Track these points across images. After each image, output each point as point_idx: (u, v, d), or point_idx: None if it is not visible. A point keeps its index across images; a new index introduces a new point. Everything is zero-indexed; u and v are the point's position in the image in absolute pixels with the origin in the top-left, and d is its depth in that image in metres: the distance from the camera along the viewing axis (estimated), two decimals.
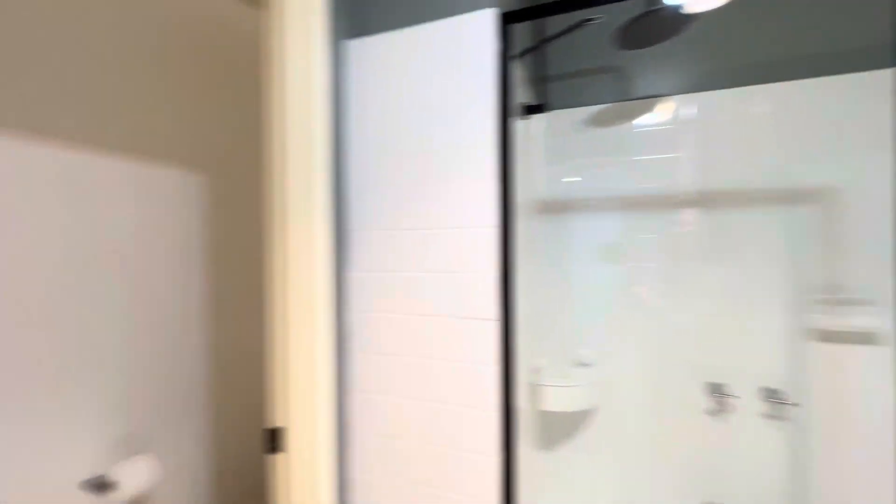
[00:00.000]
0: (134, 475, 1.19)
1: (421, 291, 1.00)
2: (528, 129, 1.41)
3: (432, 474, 0.99)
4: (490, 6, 0.94)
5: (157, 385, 1.34)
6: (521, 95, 1.32)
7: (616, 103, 1.50)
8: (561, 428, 1.58)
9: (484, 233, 0.94)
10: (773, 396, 1.33)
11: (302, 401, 0.95)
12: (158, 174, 1.34)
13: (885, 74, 1.22)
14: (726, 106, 1.37)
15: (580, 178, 1.55)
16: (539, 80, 1.33)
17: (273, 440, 0.98)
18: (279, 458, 0.98)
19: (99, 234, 1.19)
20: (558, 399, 1.45)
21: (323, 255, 0.95)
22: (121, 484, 1.16)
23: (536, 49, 1.22)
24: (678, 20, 1.08)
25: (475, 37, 0.94)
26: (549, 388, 1.44)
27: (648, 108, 1.46)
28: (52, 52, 1.09)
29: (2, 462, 1.01)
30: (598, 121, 1.52)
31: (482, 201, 0.94)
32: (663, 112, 1.45)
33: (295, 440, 0.96)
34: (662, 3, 1.01)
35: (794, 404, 1.31)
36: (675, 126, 1.43)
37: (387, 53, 1.02)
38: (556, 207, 1.57)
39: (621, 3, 1.33)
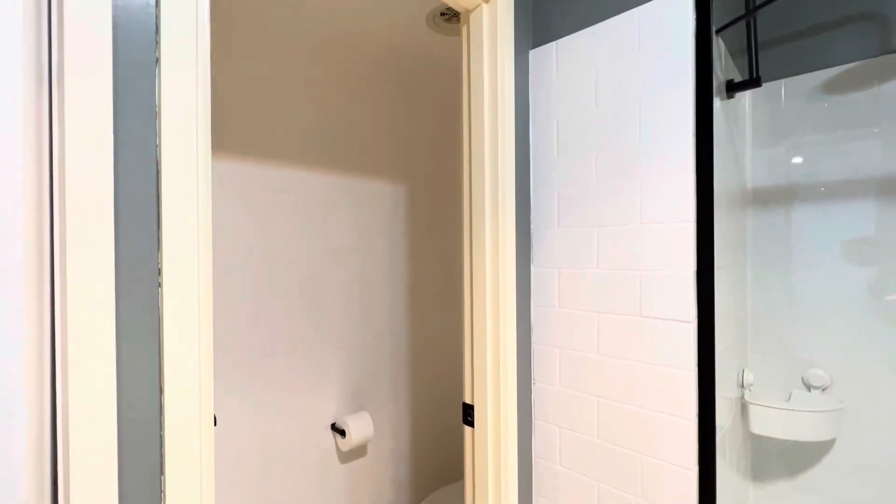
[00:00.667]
0: (359, 426, 1.50)
1: (607, 289, 0.99)
2: (735, 110, 1.23)
3: (615, 474, 0.97)
4: None
5: (374, 357, 1.65)
6: (727, 72, 1.16)
7: (858, 62, 1.18)
8: (779, 458, 1.33)
9: (679, 227, 0.88)
10: None
11: (489, 383, 1.05)
12: (371, 187, 1.64)
13: None
14: None
15: (808, 160, 1.27)
16: (750, 50, 1.14)
17: (466, 414, 1.10)
18: (468, 431, 1.10)
19: (332, 238, 1.53)
20: (772, 423, 1.22)
21: (511, 253, 1.03)
22: (350, 431, 1.48)
23: (744, 18, 1.05)
24: None
25: (666, 18, 0.88)
26: (760, 409, 1.23)
27: None
28: (287, 93, 1.45)
29: (282, 404, 1.40)
30: (832, 87, 1.22)
31: (678, 194, 0.88)
32: None
33: (481, 417, 1.07)
34: None
35: None
36: None
37: (569, 55, 1.04)
38: (776, 196, 1.33)
39: None
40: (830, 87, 1.23)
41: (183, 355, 0.56)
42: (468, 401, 1.10)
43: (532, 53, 1.12)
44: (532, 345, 1.13)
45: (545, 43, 1.10)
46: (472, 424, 1.09)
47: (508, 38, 1.03)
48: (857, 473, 1.20)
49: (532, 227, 1.12)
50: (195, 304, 0.57)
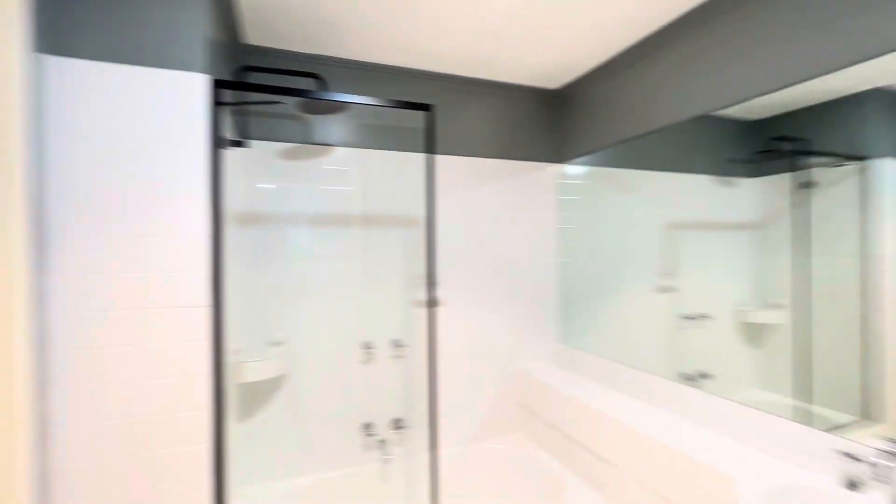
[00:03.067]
0: None
1: (135, 288, 1.19)
2: (234, 159, 1.73)
3: (148, 434, 1.20)
4: (202, 70, 1.25)
5: None
6: (229, 132, 1.64)
7: (301, 144, 2.01)
8: (258, 397, 1.95)
9: (194, 238, 1.25)
10: (397, 344, 2.16)
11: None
12: None
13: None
14: (373, 160, 2.12)
15: (272, 197, 1.97)
16: (244, 120, 1.67)
17: None
18: None
19: None
20: (254, 371, 1.82)
21: (19, 259, 1.01)
22: None
23: (240, 105, 1.57)
24: (333, 105, 1.68)
25: (192, 90, 1.24)
26: (246, 364, 1.79)
27: (325, 153, 2.05)
28: None
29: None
30: (289, 155, 1.99)
31: (194, 214, 1.24)
32: (334, 156, 2.06)
33: None
34: (317, 95, 1.55)
35: (406, 346, 2.17)
36: (342, 167, 2.07)
37: (99, 80, 1.16)
38: (257, 219, 1.94)
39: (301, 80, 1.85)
40: (287, 155, 1.98)
41: None
42: None
43: (55, 60, 1.13)
44: (59, 350, 1.13)
45: (71, 55, 1.15)
46: None
47: (19, 33, 1.02)
48: (298, 391, 2.01)
49: (59, 234, 1.13)
50: None
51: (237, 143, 1.64)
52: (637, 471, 1.60)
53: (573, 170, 2.44)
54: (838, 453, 1.22)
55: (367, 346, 2.11)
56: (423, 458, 2.19)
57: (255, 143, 1.93)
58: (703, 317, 1.84)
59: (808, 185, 1.45)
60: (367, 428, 2.11)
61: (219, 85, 1.28)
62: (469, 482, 2.25)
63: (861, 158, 1.30)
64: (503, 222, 2.38)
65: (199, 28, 1.25)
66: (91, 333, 1.17)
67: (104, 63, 1.18)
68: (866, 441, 1.22)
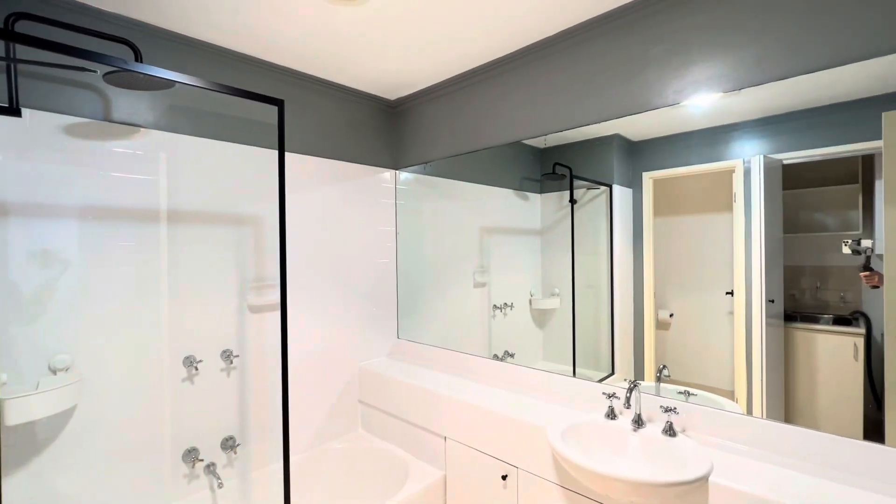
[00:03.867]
0: None
1: None
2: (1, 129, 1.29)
3: None
4: None
5: None
6: None
7: (95, 120, 1.63)
8: (32, 439, 1.50)
9: None
10: (227, 354, 1.95)
11: None
12: None
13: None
14: (188, 148, 1.86)
15: (56, 182, 1.55)
16: (11, 83, 1.25)
17: None
18: None
19: None
20: (27, 409, 1.40)
21: None
22: None
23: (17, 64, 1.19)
24: (155, 83, 1.45)
25: None
26: (15, 400, 1.36)
27: (127, 134, 1.71)
28: None
29: None
30: (75, 132, 1.58)
31: None
32: (140, 139, 1.74)
33: None
34: (142, 69, 1.31)
35: (237, 356, 1.99)
36: (148, 153, 1.76)
37: None
38: (24, 209, 1.48)
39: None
40: (72, 132, 1.58)
41: None
42: None
43: None
44: None
45: None
46: None
47: None
48: (93, 426, 1.62)
49: None
50: None
51: (4, 110, 1.25)
52: (470, 438, 1.88)
53: (406, 176, 2.65)
54: (604, 395, 1.72)
55: (191, 362, 1.85)
56: (262, 472, 2.04)
57: (31, 112, 1.48)
58: (507, 306, 2.30)
59: (573, 201, 1.98)
60: (191, 454, 1.84)
61: None
62: (316, 487, 2.20)
63: (607, 184, 1.86)
64: (342, 224, 2.41)
65: None
66: None
67: None
68: (616, 384, 1.76)
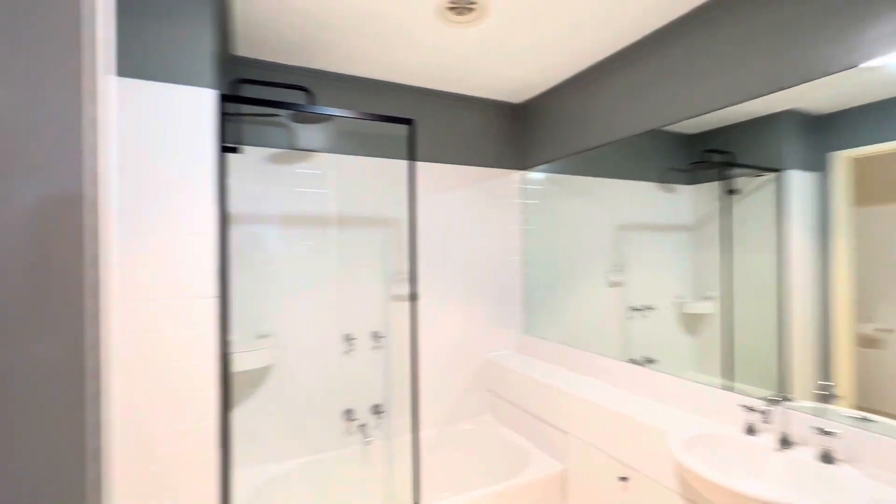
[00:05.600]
0: None
1: (156, 279, 1.32)
2: (231, 163, 1.86)
3: (158, 414, 1.33)
4: (210, 85, 1.40)
5: None
6: (229, 139, 1.77)
7: (287, 150, 2.16)
8: (246, 386, 2.07)
9: (205, 234, 1.39)
10: (375, 335, 2.33)
11: None
12: None
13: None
14: (348, 165, 2.29)
15: (265, 198, 2.11)
16: (236, 127, 1.80)
17: None
18: None
19: None
20: (242, 362, 1.94)
21: None
22: None
23: (237, 115, 1.71)
24: (323, 117, 1.86)
25: (203, 104, 1.38)
26: (237, 354, 1.92)
27: (306, 158, 2.20)
28: None
29: None
30: (275, 160, 2.13)
31: (204, 213, 1.39)
32: (314, 161, 2.22)
33: None
34: (312, 109, 1.71)
35: (383, 337, 2.35)
36: (321, 171, 2.23)
37: (132, 96, 1.29)
38: (246, 218, 2.07)
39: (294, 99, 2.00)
40: (272, 159, 2.12)
41: None
42: None
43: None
44: None
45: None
46: None
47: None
48: (286, 381, 2.15)
49: None
50: None
51: (232, 149, 1.78)
52: (590, 435, 1.88)
53: (535, 176, 2.72)
54: (741, 407, 1.53)
55: (349, 338, 2.28)
56: (402, 439, 2.38)
57: (246, 148, 2.06)
58: (647, 308, 2.14)
59: (732, 192, 1.71)
60: (349, 414, 2.27)
61: (224, 99, 1.42)
62: (444, 460, 2.46)
63: (775, 170, 1.57)
64: (472, 224, 2.62)
65: (205, 44, 1.40)
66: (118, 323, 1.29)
67: (134, 79, 1.31)
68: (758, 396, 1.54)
